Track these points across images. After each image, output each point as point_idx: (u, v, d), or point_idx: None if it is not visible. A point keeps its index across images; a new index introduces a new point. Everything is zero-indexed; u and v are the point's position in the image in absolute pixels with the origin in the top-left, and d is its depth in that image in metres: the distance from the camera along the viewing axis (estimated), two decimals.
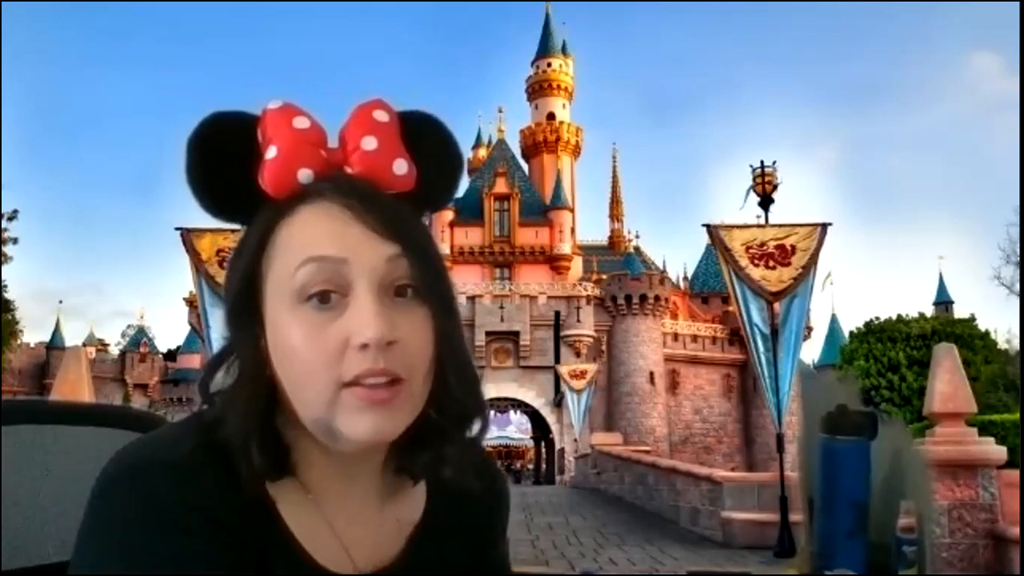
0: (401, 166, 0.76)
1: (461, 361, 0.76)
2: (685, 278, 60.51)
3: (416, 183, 0.77)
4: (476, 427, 0.80)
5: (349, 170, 0.75)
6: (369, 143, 0.75)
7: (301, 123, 0.74)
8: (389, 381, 0.69)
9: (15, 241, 34.26)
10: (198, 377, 0.78)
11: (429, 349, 0.73)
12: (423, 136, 0.80)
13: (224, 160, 0.75)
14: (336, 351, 0.69)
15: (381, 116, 0.76)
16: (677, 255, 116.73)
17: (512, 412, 49.74)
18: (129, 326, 72.68)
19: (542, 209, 55.06)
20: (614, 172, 67.00)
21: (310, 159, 0.73)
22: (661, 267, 56.78)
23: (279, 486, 0.73)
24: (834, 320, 59.90)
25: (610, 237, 64.05)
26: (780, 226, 12.11)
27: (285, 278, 0.71)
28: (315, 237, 0.71)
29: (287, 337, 0.70)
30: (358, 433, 0.70)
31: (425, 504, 0.83)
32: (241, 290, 0.73)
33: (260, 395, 0.72)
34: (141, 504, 0.66)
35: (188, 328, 55.59)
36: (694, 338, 51.34)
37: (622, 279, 48.72)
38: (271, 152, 0.73)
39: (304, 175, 0.73)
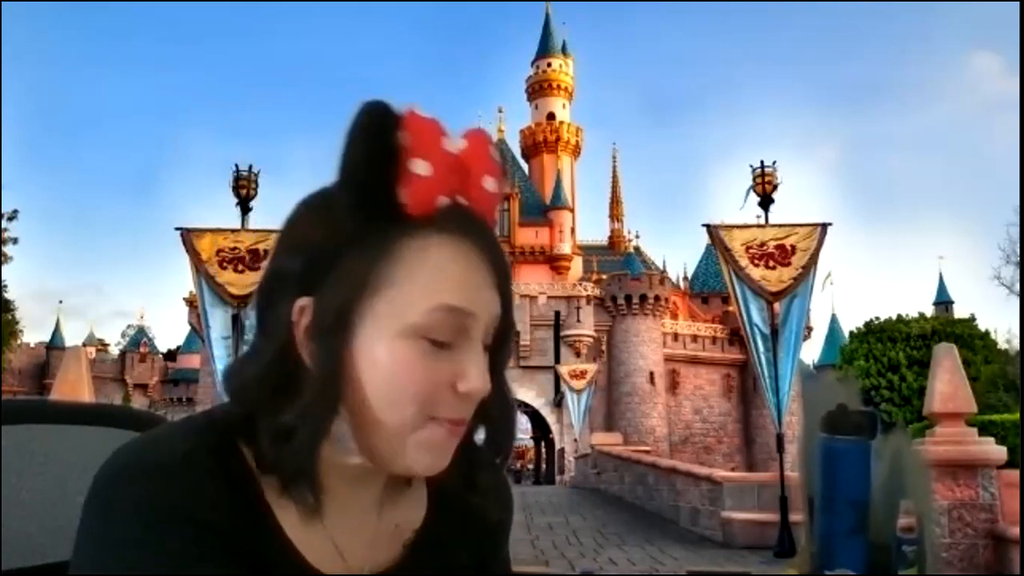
0: (498, 213, 0.76)
1: (508, 404, 0.79)
2: (685, 278, 60.52)
3: None
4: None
5: (463, 202, 0.72)
6: (490, 184, 0.73)
7: (449, 146, 0.71)
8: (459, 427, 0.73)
9: (15, 241, 34.32)
10: (244, 373, 0.73)
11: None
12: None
13: (383, 156, 0.69)
14: (438, 389, 0.70)
15: (496, 155, 0.75)
16: (677, 255, 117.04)
17: None
18: (129, 326, 72.79)
19: (542, 209, 55.08)
20: (614, 172, 67.08)
21: (452, 187, 0.71)
22: (661, 267, 56.80)
23: (278, 485, 0.73)
24: (834, 320, 59.98)
25: (610, 237, 64.06)
26: (780, 226, 12.11)
27: (408, 310, 0.69)
28: (450, 283, 0.70)
29: (393, 362, 0.69)
30: (420, 466, 0.72)
31: (427, 510, 0.83)
32: (347, 299, 0.69)
33: (337, 410, 0.71)
34: (135, 506, 0.66)
35: (188, 328, 55.62)
36: (694, 338, 51.35)
37: (622, 279, 48.73)
38: (422, 168, 0.68)
39: (442, 200, 0.70)
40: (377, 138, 0.68)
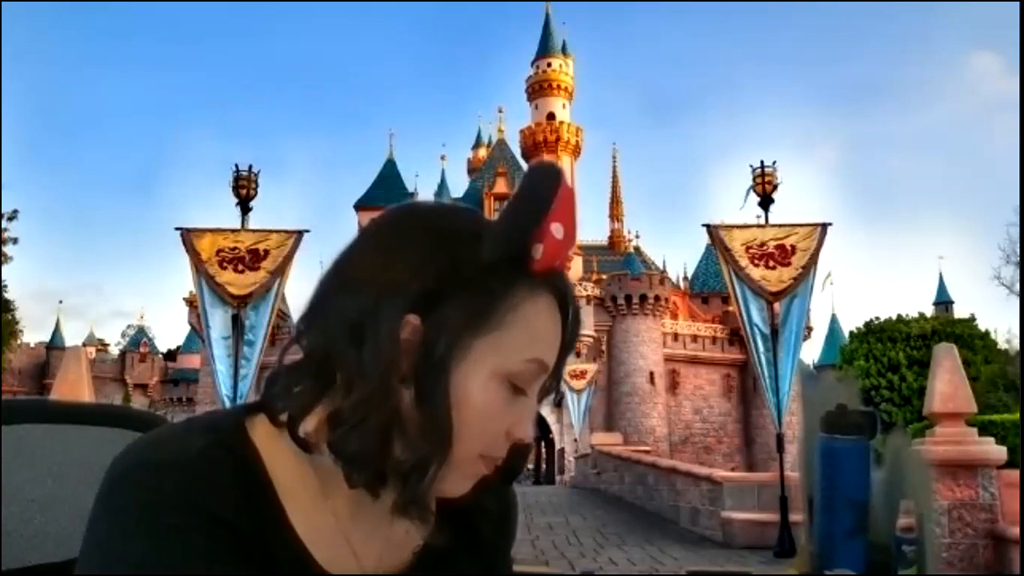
0: None
1: (530, 439, 0.82)
2: (685, 278, 60.53)
3: None
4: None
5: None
6: (569, 250, 0.77)
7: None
8: None
9: (15, 241, 34.33)
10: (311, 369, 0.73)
11: None
12: None
13: (542, 216, 0.74)
14: (500, 431, 0.75)
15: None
16: (677, 255, 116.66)
17: None
18: (129, 326, 72.81)
19: None
20: (614, 172, 67.07)
21: (567, 256, 0.77)
22: (661, 267, 56.79)
23: (294, 484, 0.73)
24: (834, 320, 60.00)
25: (610, 237, 64.04)
26: (780, 226, 12.11)
27: (511, 355, 0.73)
28: (548, 341, 0.76)
29: (480, 400, 0.72)
30: (453, 494, 0.76)
31: (435, 522, 0.84)
32: (463, 330, 0.71)
33: (449, 451, 0.73)
34: (148, 502, 0.66)
35: (188, 328, 55.63)
36: (694, 338, 51.36)
37: (622, 279, 48.75)
38: (559, 232, 0.74)
39: (558, 262, 0.76)
40: (544, 198, 0.73)
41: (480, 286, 0.71)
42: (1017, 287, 28.69)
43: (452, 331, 0.70)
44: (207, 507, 0.67)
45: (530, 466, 54.33)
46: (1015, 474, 7.79)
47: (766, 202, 12.28)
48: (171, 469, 0.68)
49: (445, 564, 0.83)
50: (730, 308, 34.95)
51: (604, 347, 47.41)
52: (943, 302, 61.63)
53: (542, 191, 0.74)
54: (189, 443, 0.70)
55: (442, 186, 61.28)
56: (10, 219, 33.62)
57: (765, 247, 11.70)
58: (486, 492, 0.80)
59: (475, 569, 0.86)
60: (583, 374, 36.98)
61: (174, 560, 0.65)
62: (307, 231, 12.11)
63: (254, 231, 12.28)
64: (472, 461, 0.74)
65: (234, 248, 11.89)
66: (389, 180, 57.51)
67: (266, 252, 11.83)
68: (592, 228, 65.03)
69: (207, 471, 0.68)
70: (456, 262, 0.72)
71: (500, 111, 61.15)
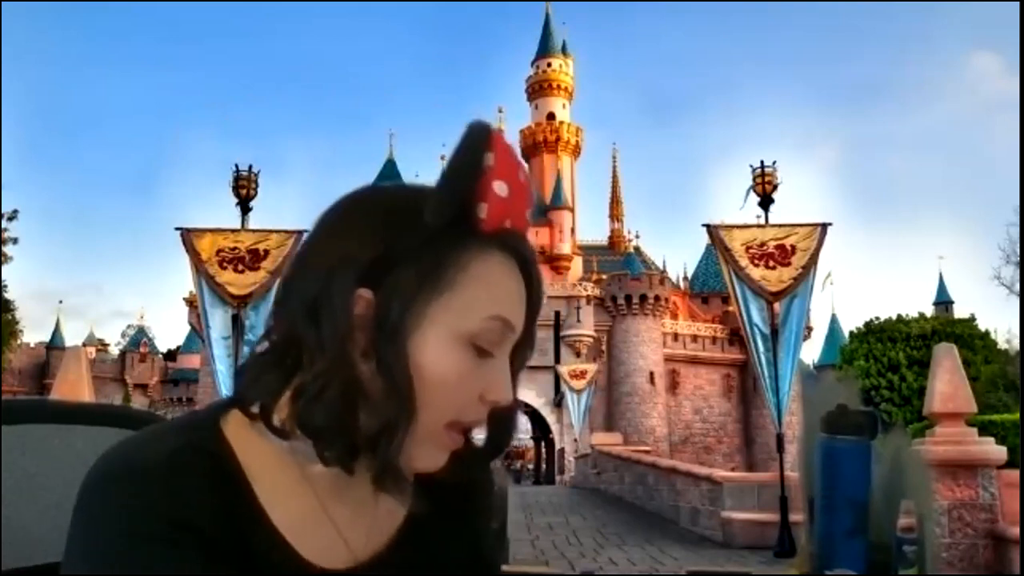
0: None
1: (514, 408, 0.81)
2: (685, 278, 60.54)
3: None
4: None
5: (514, 225, 0.77)
6: (527, 212, 0.77)
7: (522, 175, 0.76)
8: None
9: (15, 241, 34.30)
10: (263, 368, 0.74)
11: None
12: None
13: (477, 174, 0.73)
14: (474, 397, 0.74)
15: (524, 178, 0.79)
16: (677, 255, 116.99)
17: None
18: (129, 326, 72.80)
19: (542, 209, 55.06)
20: (614, 172, 67.08)
21: (519, 213, 0.76)
22: (661, 267, 56.80)
23: (271, 477, 0.73)
24: (834, 320, 59.99)
25: (610, 237, 64.06)
26: (780, 226, 12.11)
27: (469, 316, 0.73)
28: (508, 298, 0.75)
29: (444, 366, 0.72)
30: (424, 464, 0.74)
31: (414, 498, 0.84)
32: (415, 297, 0.71)
33: (415, 416, 0.72)
34: (118, 511, 0.66)
35: (188, 328, 55.64)
36: (694, 338, 51.36)
37: (622, 279, 48.75)
38: (502, 190, 0.73)
39: (506, 221, 0.75)
40: (477, 156, 0.73)
41: (427, 251, 0.72)
42: (1017, 287, 28.69)
43: (403, 297, 0.71)
44: (173, 514, 0.66)
45: (530, 466, 54.41)
46: (1015, 474, 7.79)
47: (766, 202, 12.29)
48: (141, 475, 0.67)
49: (429, 540, 0.83)
50: (730, 308, 34.97)
51: (604, 347, 47.41)
52: (943, 302, 61.63)
53: (475, 150, 0.73)
54: (161, 446, 0.70)
55: None
56: (10, 219, 33.62)
57: (765, 247, 11.71)
58: (467, 468, 0.80)
59: (459, 546, 0.86)
60: (583, 374, 36.99)
61: (145, 567, 0.65)
62: (307, 231, 12.03)
63: (254, 231, 12.29)
64: (444, 430, 0.73)
65: (234, 248, 11.89)
66: (389, 180, 56.84)
67: (266, 252, 11.84)
68: (592, 228, 65.18)
69: (174, 476, 0.68)
70: (402, 231, 0.73)
71: (500, 111, 61.07)
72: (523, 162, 0.77)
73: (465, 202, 0.72)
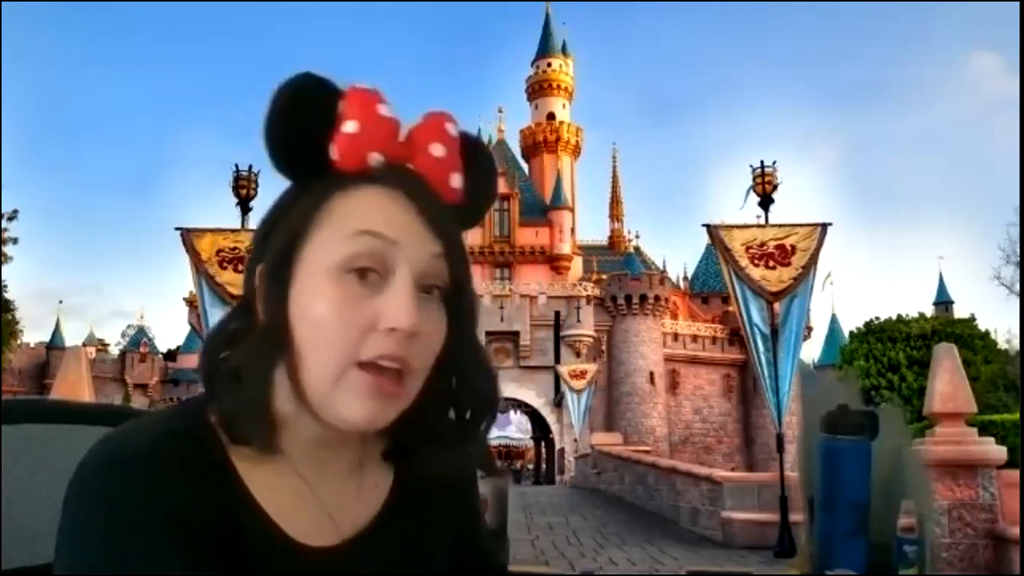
0: (457, 180, 0.79)
1: (477, 362, 0.80)
2: (685, 278, 60.50)
3: (462, 200, 0.80)
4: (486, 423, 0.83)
5: (411, 167, 0.77)
6: (437, 150, 0.77)
7: (384, 110, 0.76)
8: (398, 372, 0.72)
9: (15, 241, 34.26)
10: (212, 330, 0.78)
11: (438, 350, 0.76)
12: (475, 160, 0.83)
13: (306, 117, 0.75)
14: (363, 328, 0.71)
15: (452, 130, 0.79)
16: (677, 255, 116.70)
17: (512, 412, 49.72)
18: (129, 326, 72.70)
19: (542, 209, 55.07)
20: (614, 172, 67.04)
21: (385, 144, 0.76)
22: (661, 267, 56.77)
23: (256, 458, 0.73)
24: (834, 320, 59.93)
25: (610, 237, 64.03)
26: (780, 226, 12.11)
27: (333, 245, 0.72)
28: (373, 215, 0.73)
29: (318, 303, 0.71)
30: (353, 417, 0.72)
31: (395, 473, 0.85)
32: (284, 247, 0.74)
33: (281, 354, 0.73)
34: (101, 501, 0.67)
35: (188, 328, 55.63)
36: (694, 338, 51.34)
37: (622, 279, 48.73)
38: (350, 126, 0.74)
39: (375, 157, 0.75)
40: (295, 103, 0.75)
41: (293, 207, 0.75)
42: (1017, 287, 28.69)
43: (277, 250, 0.74)
44: (154, 503, 0.67)
45: (530, 466, 54.40)
46: (1015, 474, 7.78)
47: (766, 202, 12.29)
48: (122, 465, 0.68)
49: (413, 512, 0.84)
50: (730, 308, 34.96)
51: (604, 347, 47.39)
52: (943, 302, 61.59)
53: (284, 104, 0.75)
54: (142, 436, 0.70)
55: None
56: (10, 219, 33.59)
57: (765, 247, 11.71)
58: (443, 444, 0.80)
59: (442, 528, 0.86)
60: (583, 374, 36.99)
61: (126, 557, 0.65)
62: None
63: (254, 231, 12.28)
64: (356, 372, 0.71)
65: (234, 248, 11.89)
66: None
67: None
68: (592, 228, 65.25)
69: (155, 464, 0.68)
70: (281, 202, 0.77)
71: (500, 111, 61.12)
72: (378, 94, 0.77)
73: (311, 150, 0.75)
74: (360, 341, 0.71)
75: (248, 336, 0.74)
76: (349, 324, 0.70)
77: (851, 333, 37.79)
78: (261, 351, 0.72)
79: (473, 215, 0.84)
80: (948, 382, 7.95)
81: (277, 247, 0.74)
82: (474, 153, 0.83)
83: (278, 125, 0.75)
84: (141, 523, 0.66)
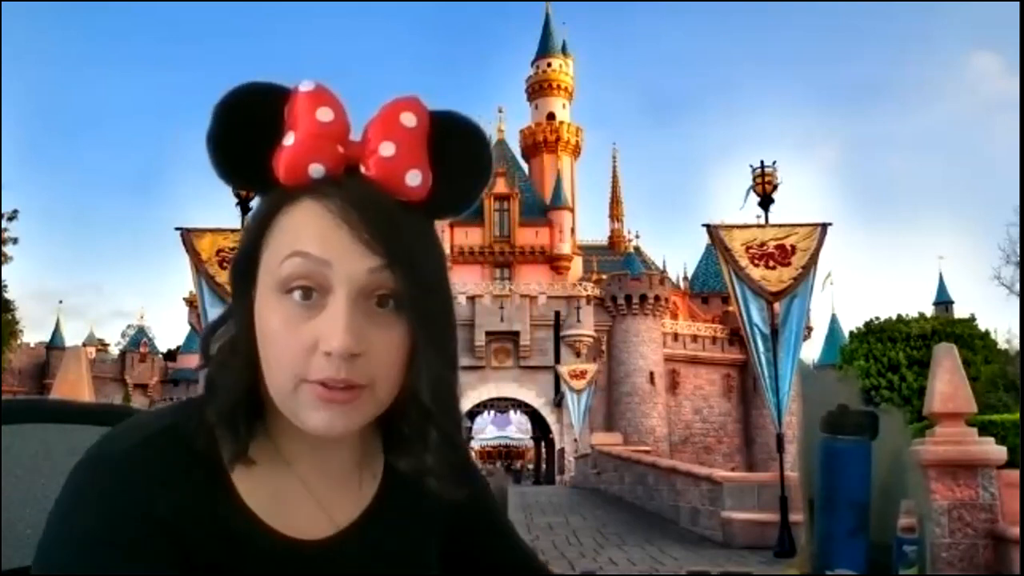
0: (414, 177, 0.74)
1: (435, 375, 0.74)
2: (685, 278, 60.48)
3: (431, 192, 0.75)
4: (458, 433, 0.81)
5: (364, 170, 0.74)
6: (387, 149, 0.73)
7: (324, 115, 0.73)
8: (348, 386, 0.70)
9: (15, 241, 34.27)
10: (201, 335, 0.79)
11: (399, 361, 0.73)
12: (451, 141, 0.78)
13: (248, 131, 0.74)
14: (306, 349, 0.70)
15: (408, 120, 0.75)
16: (677, 255, 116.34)
17: (512, 412, 49.70)
18: (129, 326, 72.64)
19: (542, 209, 55.06)
20: (614, 172, 67.01)
21: (324, 155, 0.73)
22: (661, 267, 56.75)
23: (250, 460, 0.74)
24: (834, 320, 59.90)
25: (610, 237, 64.01)
26: (780, 226, 12.11)
27: (274, 265, 0.72)
28: (305, 234, 0.71)
29: (268, 321, 0.72)
30: (314, 425, 0.71)
31: (382, 474, 0.85)
32: (242, 260, 0.75)
33: (252, 362, 0.73)
34: (78, 504, 0.67)
35: (188, 328, 55.66)
36: (694, 338, 51.33)
37: (622, 279, 48.72)
38: (289, 139, 0.73)
39: (315, 170, 0.72)
40: (229, 114, 0.74)
41: (253, 221, 0.76)
42: (1017, 287, 28.69)
43: (236, 266, 0.75)
44: (137, 504, 0.67)
45: (530, 466, 54.38)
46: (1015, 474, 7.78)
47: (766, 202, 12.29)
48: (106, 467, 0.69)
49: (402, 504, 0.84)
50: (730, 308, 34.94)
51: (604, 347, 47.37)
52: (943, 302, 61.56)
53: (221, 123, 0.74)
54: (134, 436, 0.71)
55: None
56: (10, 219, 33.59)
57: (765, 247, 11.71)
58: (452, 476, 0.79)
59: (423, 520, 0.86)
60: (583, 374, 36.97)
61: (89, 560, 0.65)
62: None
63: None
64: (303, 387, 0.70)
65: (234, 248, 11.86)
66: None
67: None
68: (592, 228, 65.15)
69: (141, 465, 0.69)
70: (254, 213, 0.77)
71: (500, 111, 61.07)
72: (321, 96, 0.73)
73: (260, 167, 0.74)
74: (305, 361, 0.70)
75: (222, 346, 0.76)
76: (293, 345, 0.70)
77: (851, 333, 37.76)
78: (227, 363, 0.74)
79: (453, 203, 0.80)
80: (948, 382, 7.94)
81: (236, 260, 0.76)
82: (449, 133, 0.78)
83: (217, 145, 0.74)
84: (116, 523, 0.66)
